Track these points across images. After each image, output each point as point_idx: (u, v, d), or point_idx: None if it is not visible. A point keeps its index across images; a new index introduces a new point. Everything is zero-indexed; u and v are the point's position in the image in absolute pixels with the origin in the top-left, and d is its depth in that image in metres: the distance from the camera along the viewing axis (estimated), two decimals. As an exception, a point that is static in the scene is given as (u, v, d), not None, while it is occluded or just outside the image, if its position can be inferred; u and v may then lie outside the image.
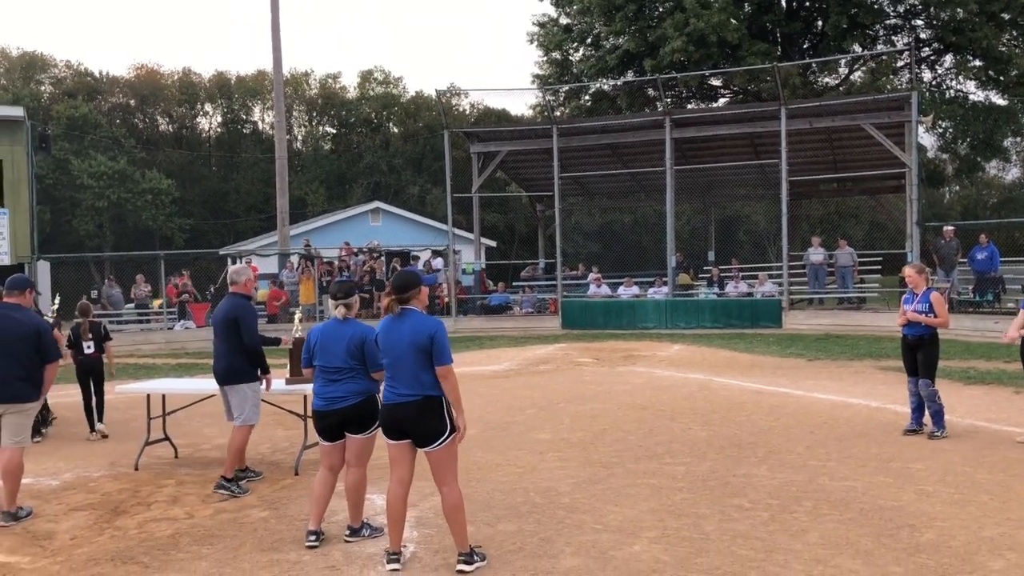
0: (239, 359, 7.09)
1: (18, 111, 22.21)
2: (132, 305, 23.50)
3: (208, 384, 9.36)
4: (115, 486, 7.30)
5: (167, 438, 8.37)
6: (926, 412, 8.64)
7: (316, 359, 5.66)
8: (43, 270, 22.06)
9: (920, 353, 8.76)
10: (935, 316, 8.76)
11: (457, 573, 4.95)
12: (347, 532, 5.67)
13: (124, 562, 5.36)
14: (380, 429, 5.43)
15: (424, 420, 4.98)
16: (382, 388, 5.30)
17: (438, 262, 25.64)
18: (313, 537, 5.58)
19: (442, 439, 5.00)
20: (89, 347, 9.96)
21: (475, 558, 5.03)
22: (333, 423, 5.63)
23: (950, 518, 5.89)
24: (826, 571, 4.95)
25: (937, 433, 8.44)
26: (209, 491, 7.03)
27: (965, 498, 6.38)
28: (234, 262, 28.20)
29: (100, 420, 9.89)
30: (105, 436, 9.63)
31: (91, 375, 9.92)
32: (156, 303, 23.28)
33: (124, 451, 8.57)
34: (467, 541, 5.06)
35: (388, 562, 5.06)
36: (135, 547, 5.65)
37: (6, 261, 20.77)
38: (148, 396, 8.22)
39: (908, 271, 9.21)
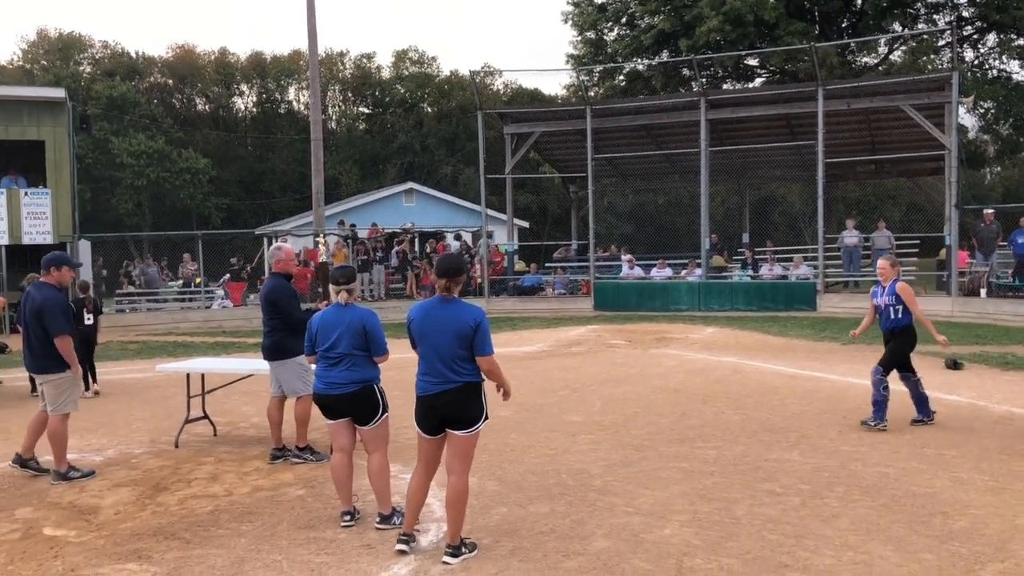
0: (281, 336, 7.34)
1: (59, 92, 22.55)
2: (180, 283, 23.89)
3: (246, 363, 9.57)
4: (156, 463, 7.48)
5: (206, 416, 8.54)
6: (923, 401, 8.54)
7: (318, 345, 5.66)
8: (84, 249, 22.44)
9: (892, 343, 8.52)
10: (903, 307, 8.39)
11: (442, 564, 4.92)
12: (377, 519, 5.63)
13: (166, 537, 5.51)
14: (388, 418, 5.61)
15: (464, 405, 4.99)
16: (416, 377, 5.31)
17: (455, 245, 25.75)
18: (348, 517, 5.69)
19: (478, 424, 5.04)
20: (89, 319, 11.47)
21: (463, 550, 5.02)
22: (331, 406, 5.63)
23: (984, 506, 5.87)
24: (857, 557, 4.97)
25: (872, 424, 8.23)
26: (247, 469, 7.20)
27: (1000, 485, 6.35)
28: (269, 242, 28.53)
29: (94, 381, 11.40)
30: (97, 393, 11.14)
31: (88, 343, 11.22)
32: (196, 281, 23.63)
33: (164, 429, 8.77)
34: (459, 534, 5.04)
35: (398, 543, 5.12)
36: (176, 523, 5.80)
37: (49, 240, 21.17)
38: (188, 375, 8.38)
39: (881, 263, 8.77)
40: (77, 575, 4.89)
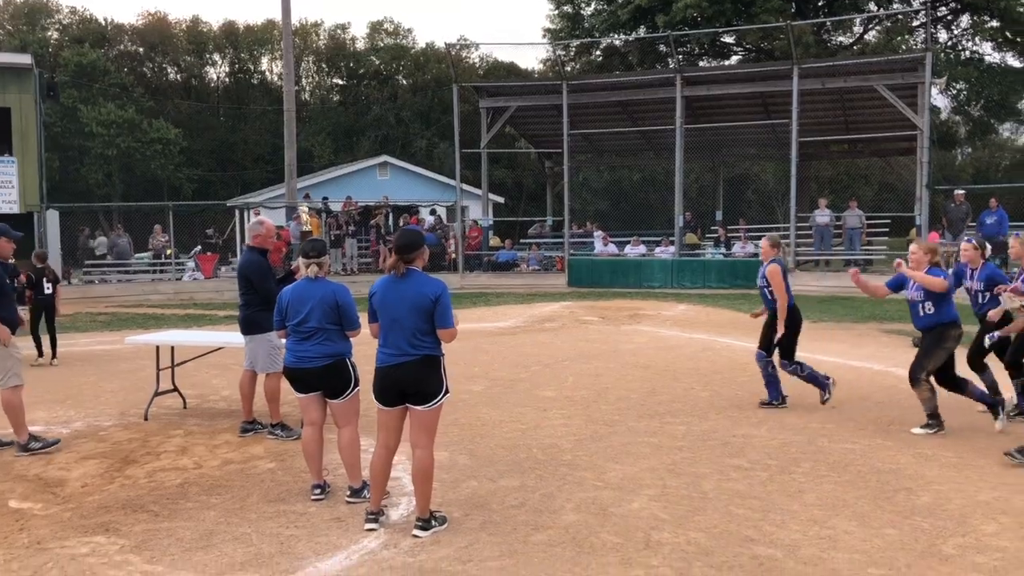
0: (255, 311, 7.30)
1: (26, 58, 22.12)
2: (150, 255, 23.62)
3: (217, 336, 9.50)
4: (125, 435, 7.42)
5: (176, 389, 8.48)
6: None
7: (289, 319, 5.62)
8: (52, 219, 22.11)
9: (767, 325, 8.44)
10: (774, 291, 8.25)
11: (412, 537, 4.95)
12: (348, 492, 5.64)
13: (134, 510, 5.48)
14: (359, 392, 5.60)
15: (424, 378, 4.97)
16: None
17: (430, 220, 25.63)
18: (318, 491, 5.69)
19: (438, 399, 5.01)
20: (48, 288, 11.69)
21: (433, 523, 5.04)
22: (302, 379, 5.62)
23: (947, 482, 5.98)
24: (822, 532, 5.04)
25: (772, 402, 8.28)
26: (217, 442, 7.17)
27: (963, 462, 6.46)
28: (242, 214, 28.29)
29: (55, 351, 11.60)
30: (55, 364, 11.30)
31: (46, 311, 11.67)
32: (167, 253, 23.39)
33: (134, 401, 8.70)
34: (428, 507, 5.06)
35: (366, 521, 5.11)
36: (145, 496, 5.77)
37: (15, 210, 20.82)
38: (157, 348, 8.31)
39: (763, 243, 8.63)
40: (43, 548, 4.85)
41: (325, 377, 5.58)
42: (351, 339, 5.67)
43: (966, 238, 8.74)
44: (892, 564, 4.57)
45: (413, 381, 4.97)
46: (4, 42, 43.50)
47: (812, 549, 4.78)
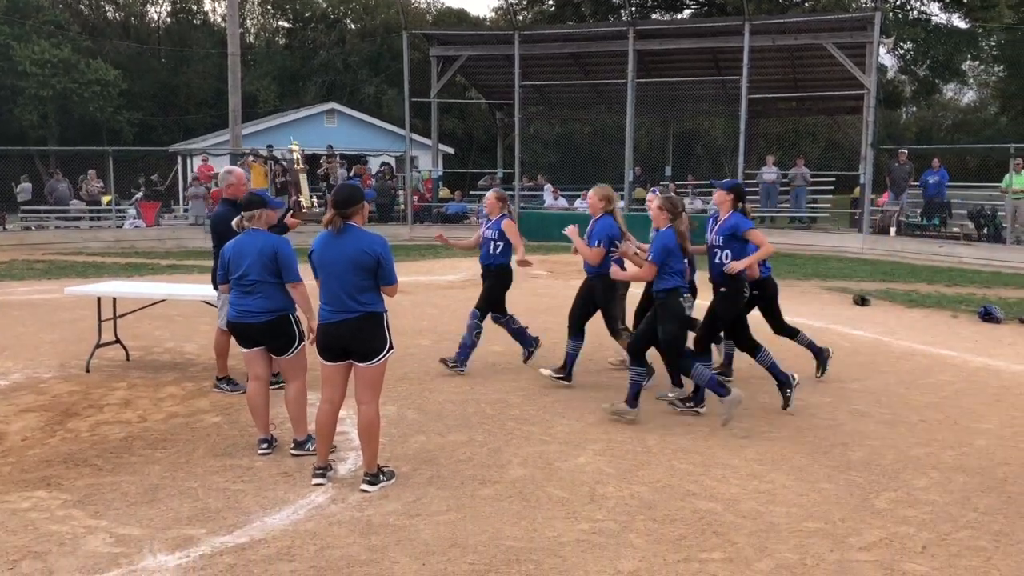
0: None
1: (-45, -7, 21.13)
2: (84, 203, 22.92)
3: (159, 288, 9.33)
4: (66, 388, 7.29)
5: (118, 341, 8.33)
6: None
7: (231, 273, 5.61)
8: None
9: (487, 282, 8.17)
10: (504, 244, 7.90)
11: (360, 492, 4.98)
12: (292, 445, 5.67)
13: (77, 464, 5.41)
14: (304, 347, 5.61)
15: (366, 335, 4.94)
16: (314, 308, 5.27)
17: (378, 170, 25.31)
18: (265, 445, 5.67)
19: (381, 355, 4.99)
20: None
21: (381, 478, 5.07)
22: (245, 334, 5.62)
23: (881, 438, 6.18)
24: (761, 486, 5.19)
25: (451, 365, 7.99)
26: (162, 395, 7.09)
27: (896, 418, 6.68)
28: (184, 161, 27.63)
29: None
30: None
31: None
32: (106, 200, 22.77)
33: (74, 352, 8.54)
34: (375, 461, 5.08)
35: (314, 476, 5.11)
36: (87, 449, 5.70)
37: (-54, 152, 20.07)
38: (99, 299, 8.14)
39: (488, 196, 8.31)
40: (-18, 503, 4.78)
41: (268, 333, 5.57)
42: (293, 293, 5.60)
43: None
44: (827, 518, 4.73)
45: (356, 338, 4.94)
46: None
47: (751, 503, 4.92)
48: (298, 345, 5.65)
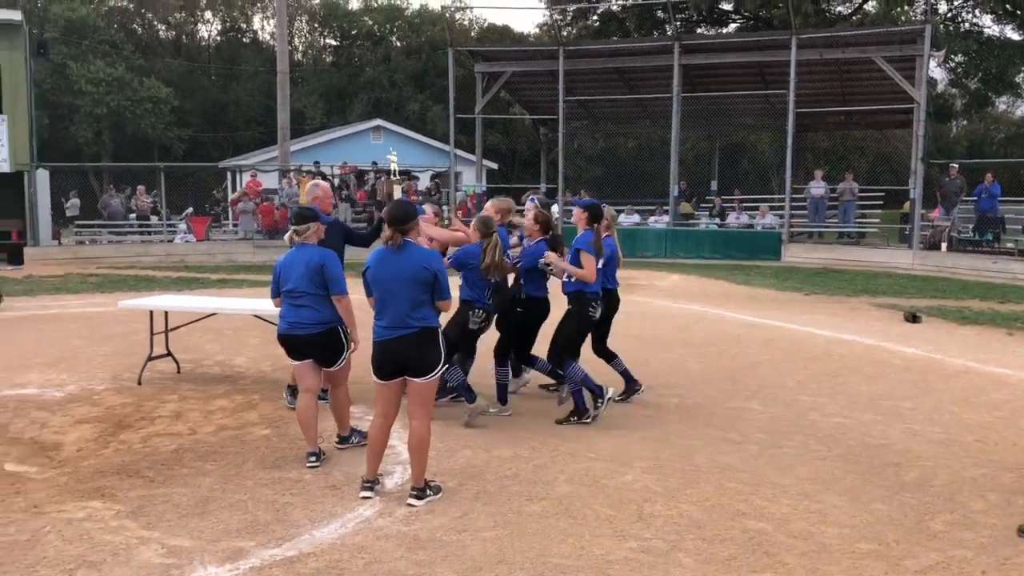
0: None
1: (16, 15, 21.76)
2: (134, 216, 23.44)
3: (211, 301, 9.47)
4: (119, 400, 7.43)
5: (170, 354, 8.47)
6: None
7: (283, 286, 5.75)
8: (42, 178, 21.92)
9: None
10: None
11: (407, 505, 4.99)
12: (336, 439, 6.00)
13: (129, 475, 5.50)
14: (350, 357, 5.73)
15: (423, 351, 4.98)
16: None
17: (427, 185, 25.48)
18: (313, 458, 5.72)
19: (437, 370, 5.04)
20: None
21: (427, 492, 5.08)
22: (295, 346, 5.77)
23: (934, 458, 6.04)
24: (812, 506, 5.10)
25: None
26: (212, 407, 7.18)
27: (951, 438, 6.53)
28: (234, 176, 28.10)
29: None
30: None
31: None
32: (161, 213, 23.24)
33: (127, 365, 8.69)
34: (423, 476, 5.10)
35: (362, 489, 5.13)
36: (140, 461, 5.79)
37: (5, 168, 20.64)
38: (151, 312, 8.29)
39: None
40: (40, 512, 4.87)
41: (318, 345, 5.69)
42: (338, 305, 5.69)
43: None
44: (881, 539, 4.63)
45: (412, 354, 4.98)
46: (-8, -4, 42.81)
47: (802, 523, 4.84)
48: (343, 359, 5.78)
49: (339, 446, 5.99)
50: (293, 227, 5.81)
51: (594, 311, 6.89)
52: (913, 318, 12.15)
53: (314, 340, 5.67)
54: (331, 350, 5.73)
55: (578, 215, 7.03)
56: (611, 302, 7.47)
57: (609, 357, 7.67)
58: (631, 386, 7.54)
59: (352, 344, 5.78)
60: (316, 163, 24.02)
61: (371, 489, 5.15)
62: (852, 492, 5.34)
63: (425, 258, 5.03)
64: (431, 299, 5.02)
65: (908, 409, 7.36)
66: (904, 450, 6.21)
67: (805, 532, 4.71)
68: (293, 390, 7.18)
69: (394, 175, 7.24)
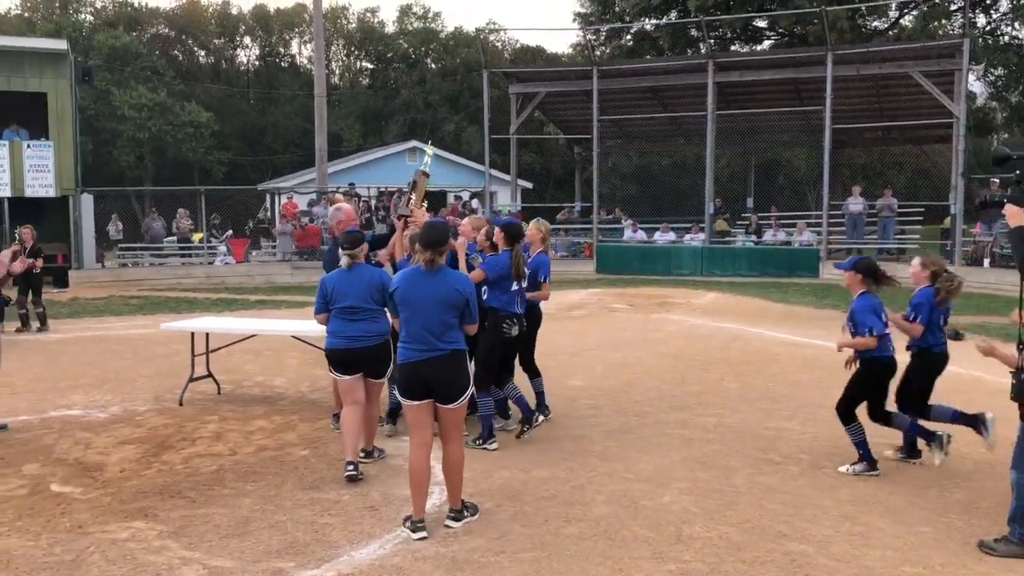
0: None
1: (62, 44, 22.32)
2: (174, 239, 23.83)
3: (250, 324, 9.59)
4: (161, 420, 7.54)
5: (211, 375, 8.59)
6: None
7: (334, 303, 5.96)
8: (86, 202, 22.38)
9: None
10: None
11: (444, 527, 4.98)
12: (361, 454, 6.11)
13: (171, 496, 5.57)
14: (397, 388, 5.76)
15: (451, 374, 4.94)
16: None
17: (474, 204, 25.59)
18: (352, 468, 5.83)
19: (465, 395, 5.01)
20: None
21: (465, 513, 5.07)
22: (352, 361, 5.96)
23: (981, 479, 5.93)
24: (854, 528, 5.03)
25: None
26: (251, 428, 7.26)
27: (997, 459, 6.39)
28: (272, 198, 28.45)
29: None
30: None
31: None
32: (197, 237, 23.59)
33: (168, 386, 8.82)
34: (460, 498, 5.08)
35: (414, 531, 4.86)
36: (181, 482, 5.86)
37: (52, 193, 21.12)
38: (192, 334, 8.41)
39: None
40: (85, 532, 4.95)
41: (372, 356, 5.96)
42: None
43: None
44: (926, 562, 4.55)
45: (440, 378, 4.94)
46: (40, 26, 43.96)
47: (844, 545, 4.77)
48: (392, 368, 6.03)
49: (363, 460, 6.11)
50: (346, 252, 5.99)
51: (508, 328, 6.72)
52: (956, 335, 11.90)
53: (371, 352, 5.95)
54: (383, 361, 6.07)
55: (497, 235, 6.91)
56: (531, 319, 7.26)
57: (533, 375, 7.50)
58: (528, 414, 6.97)
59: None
60: (351, 184, 24.29)
61: (423, 529, 4.88)
62: (896, 514, 5.26)
63: (458, 281, 5.04)
64: (459, 323, 5.02)
65: (953, 430, 7.20)
66: (950, 471, 6.10)
67: (847, 555, 4.64)
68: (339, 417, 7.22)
69: (426, 167, 7.31)
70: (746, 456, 6.45)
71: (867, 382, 6.17)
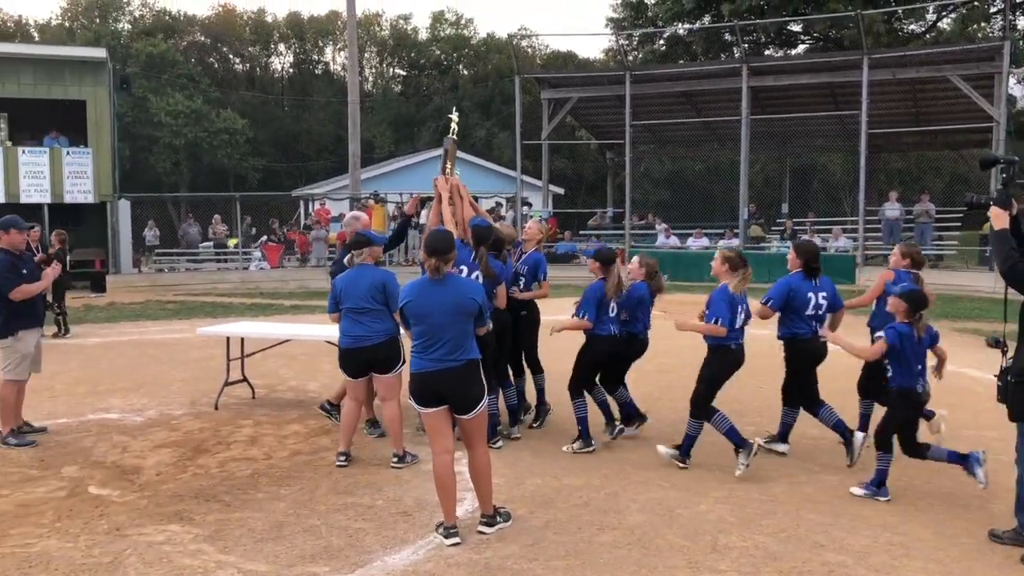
0: None
1: (100, 52, 22.69)
2: (210, 244, 24.12)
3: (285, 328, 9.66)
4: (196, 424, 7.60)
5: (245, 379, 8.65)
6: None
7: (343, 303, 6.27)
8: (124, 209, 22.70)
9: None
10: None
11: (477, 533, 4.96)
12: (393, 459, 6.30)
13: (207, 500, 5.61)
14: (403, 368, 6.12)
15: (466, 385, 4.87)
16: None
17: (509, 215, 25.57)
18: (343, 458, 6.32)
19: (482, 404, 4.95)
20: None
21: (498, 520, 5.04)
22: (360, 360, 6.26)
23: (1024, 490, 5.79)
24: (894, 538, 4.94)
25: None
26: (285, 432, 7.30)
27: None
28: (306, 205, 28.69)
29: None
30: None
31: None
32: (232, 242, 23.84)
33: (204, 390, 8.90)
34: (491, 503, 5.05)
35: (447, 537, 4.85)
36: (217, 485, 5.90)
37: (91, 199, 21.45)
38: (228, 339, 8.48)
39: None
40: (122, 535, 5.00)
41: (380, 353, 6.19)
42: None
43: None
44: (969, 575, 4.45)
45: (455, 389, 4.88)
46: (79, 35, 44.73)
47: (884, 556, 4.69)
48: (399, 367, 6.33)
49: (395, 465, 6.24)
50: (352, 252, 6.38)
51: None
52: (996, 343, 11.70)
53: (376, 349, 6.21)
54: (391, 358, 6.30)
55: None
56: (529, 317, 7.68)
57: (536, 371, 7.83)
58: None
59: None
60: (375, 192, 24.38)
61: (456, 535, 4.89)
62: (936, 524, 5.16)
63: (469, 288, 5.03)
64: (473, 330, 4.99)
65: (994, 439, 7.08)
66: (992, 481, 5.97)
67: (887, 566, 4.56)
68: (373, 422, 7.24)
69: (453, 134, 7.44)
70: (783, 465, 6.37)
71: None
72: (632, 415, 7.26)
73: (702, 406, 6.27)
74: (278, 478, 6.07)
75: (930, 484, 5.92)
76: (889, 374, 5.63)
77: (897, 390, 5.61)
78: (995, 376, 5.02)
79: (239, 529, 5.08)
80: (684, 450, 6.34)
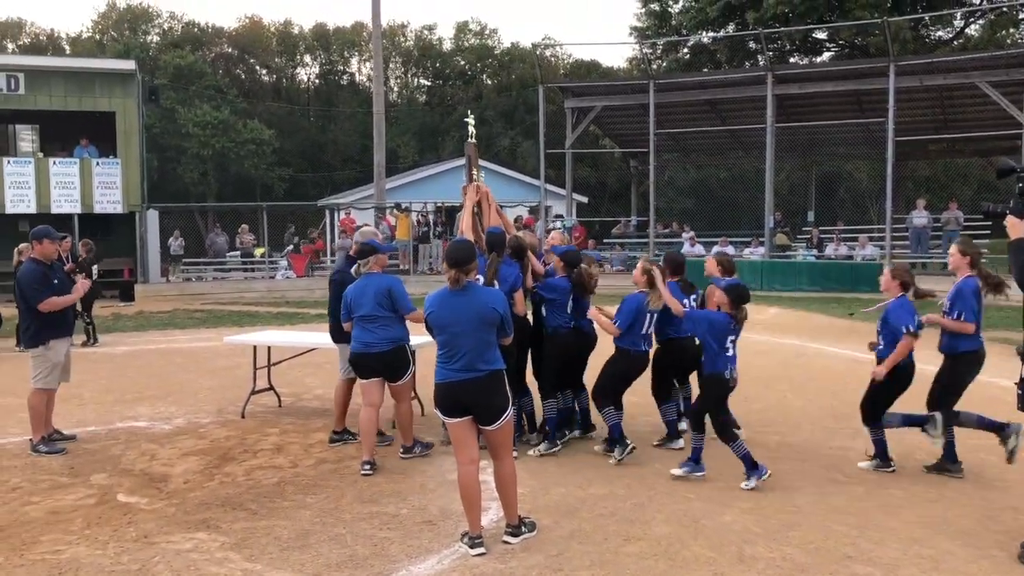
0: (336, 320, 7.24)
1: (130, 64, 22.99)
2: (237, 253, 24.35)
3: (310, 337, 9.71)
4: (223, 433, 7.66)
5: (272, 388, 8.71)
6: None
7: (354, 312, 6.47)
8: (152, 219, 22.97)
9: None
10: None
11: (502, 543, 4.94)
12: (401, 450, 6.70)
13: (233, 508, 5.65)
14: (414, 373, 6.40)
15: (490, 396, 4.87)
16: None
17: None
18: (368, 466, 6.33)
19: (506, 415, 4.94)
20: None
21: (523, 529, 5.02)
22: (368, 365, 6.46)
23: (1057, 502, 5.71)
24: (923, 551, 4.88)
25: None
26: (311, 441, 7.35)
27: (1074, 482, 6.16)
28: (332, 214, 28.86)
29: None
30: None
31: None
32: (259, 252, 24.03)
33: (231, 399, 8.97)
34: (516, 513, 5.03)
35: (473, 546, 4.84)
36: (243, 494, 5.94)
37: (120, 209, 21.72)
38: (255, 347, 8.54)
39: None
40: (150, 542, 5.05)
41: (388, 361, 6.35)
42: (408, 324, 6.53)
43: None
44: (1000, 589, 4.40)
45: (479, 400, 4.88)
46: (109, 47, 45.35)
47: (913, 569, 4.64)
48: (409, 374, 6.58)
49: (403, 456, 6.66)
50: (358, 262, 6.58)
51: None
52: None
53: (384, 357, 6.40)
54: (399, 366, 6.49)
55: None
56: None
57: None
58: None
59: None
60: (397, 204, 24.50)
61: (481, 545, 4.88)
62: (967, 537, 5.10)
63: (491, 298, 5.00)
64: (496, 340, 4.98)
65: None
66: (1022, 493, 5.89)
67: (917, 579, 4.51)
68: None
69: (472, 137, 7.64)
70: (809, 476, 6.32)
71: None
72: (588, 424, 7.49)
73: (600, 397, 6.78)
74: (304, 486, 6.10)
75: (959, 497, 5.85)
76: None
77: (708, 375, 6.26)
78: (1016, 384, 4.97)
79: (265, 537, 5.12)
80: (611, 443, 6.71)
